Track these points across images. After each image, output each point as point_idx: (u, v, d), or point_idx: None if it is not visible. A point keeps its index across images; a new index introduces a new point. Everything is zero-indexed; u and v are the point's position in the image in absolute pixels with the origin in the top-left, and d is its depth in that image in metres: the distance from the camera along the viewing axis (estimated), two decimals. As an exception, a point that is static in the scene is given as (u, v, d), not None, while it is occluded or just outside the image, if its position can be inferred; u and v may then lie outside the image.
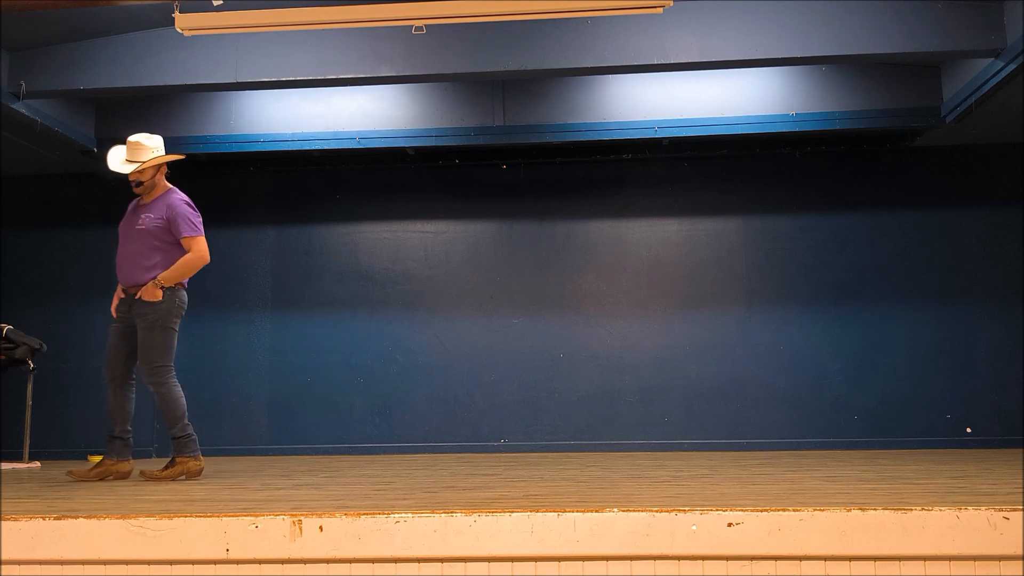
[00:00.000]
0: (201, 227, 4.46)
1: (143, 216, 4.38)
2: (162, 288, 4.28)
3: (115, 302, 4.44)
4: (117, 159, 4.44)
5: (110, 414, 4.40)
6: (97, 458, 6.70)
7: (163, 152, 4.49)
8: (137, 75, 5.88)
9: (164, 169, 4.51)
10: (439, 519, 2.45)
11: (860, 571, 2.36)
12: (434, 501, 2.91)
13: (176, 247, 4.39)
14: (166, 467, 4.31)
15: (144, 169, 4.39)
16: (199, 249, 4.40)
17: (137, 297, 4.29)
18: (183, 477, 4.29)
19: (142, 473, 4.34)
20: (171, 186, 4.55)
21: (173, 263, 4.34)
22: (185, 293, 4.44)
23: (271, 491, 3.52)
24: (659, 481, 3.71)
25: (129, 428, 4.43)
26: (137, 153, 4.38)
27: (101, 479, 4.34)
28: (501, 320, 7.23)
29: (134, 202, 4.56)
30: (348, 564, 2.43)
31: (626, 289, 7.22)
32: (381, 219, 7.45)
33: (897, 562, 2.36)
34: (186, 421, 4.33)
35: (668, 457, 5.85)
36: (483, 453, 6.78)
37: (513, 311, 7.24)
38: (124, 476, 4.40)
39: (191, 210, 4.45)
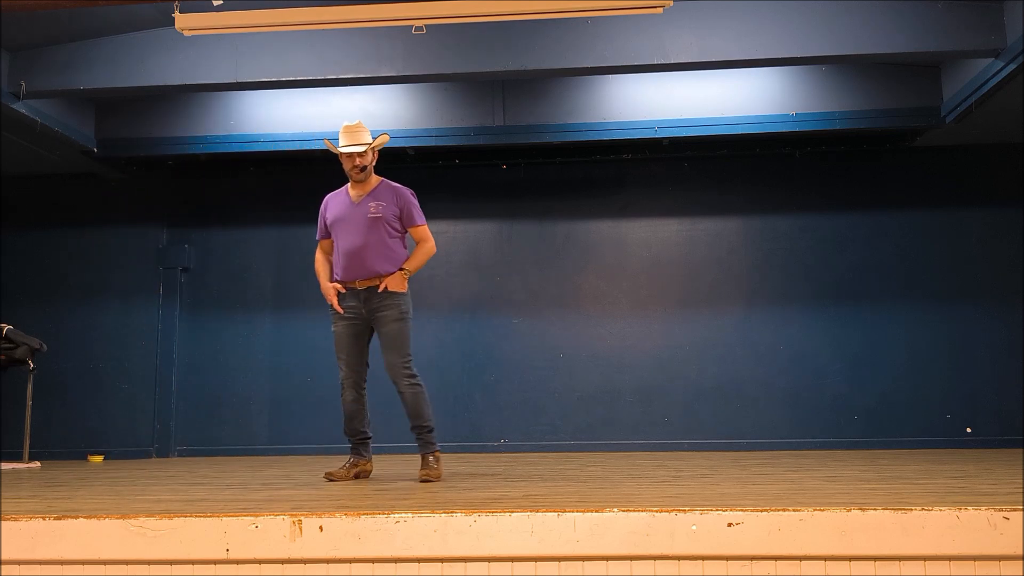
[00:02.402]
0: None
1: (371, 204, 4.21)
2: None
3: (335, 297, 4.26)
4: (346, 142, 4.23)
5: (353, 416, 4.33)
6: (98, 458, 6.76)
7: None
8: (137, 75, 5.89)
9: (376, 156, 4.34)
10: (439, 519, 2.45)
11: (860, 571, 2.36)
12: (434, 501, 2.90)
13: (400, 236, 4.29)
14: (424, 466, 4.09)
15: (365, 152, 4.22)
16: (431, 238, 4.35)
17: (381, 289, 4.14)
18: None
19: (423, 475, 4.05)
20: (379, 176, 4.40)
21: (405, 252, 4.28)
22: None
23: (271, 491, 3.52)
24: (659, 481, 3.71)
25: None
26: (360, 136, 4.22)
27: (357, 478, 4.26)
28: (501, 320, 7.23)
29: (341, 193, 4.38)
30: (348, 564, 2.43)
31: (626, 289, 7.22)
32: (381, 219, 7.43)
33: (897, 562, 2.36)
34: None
35: (668, 457, 5.85)
36: (483, 453, 6.77)
37: (513, 311, 7.24)
38: (368, 475, 4.35)
39: (415, 198, 4.35)
